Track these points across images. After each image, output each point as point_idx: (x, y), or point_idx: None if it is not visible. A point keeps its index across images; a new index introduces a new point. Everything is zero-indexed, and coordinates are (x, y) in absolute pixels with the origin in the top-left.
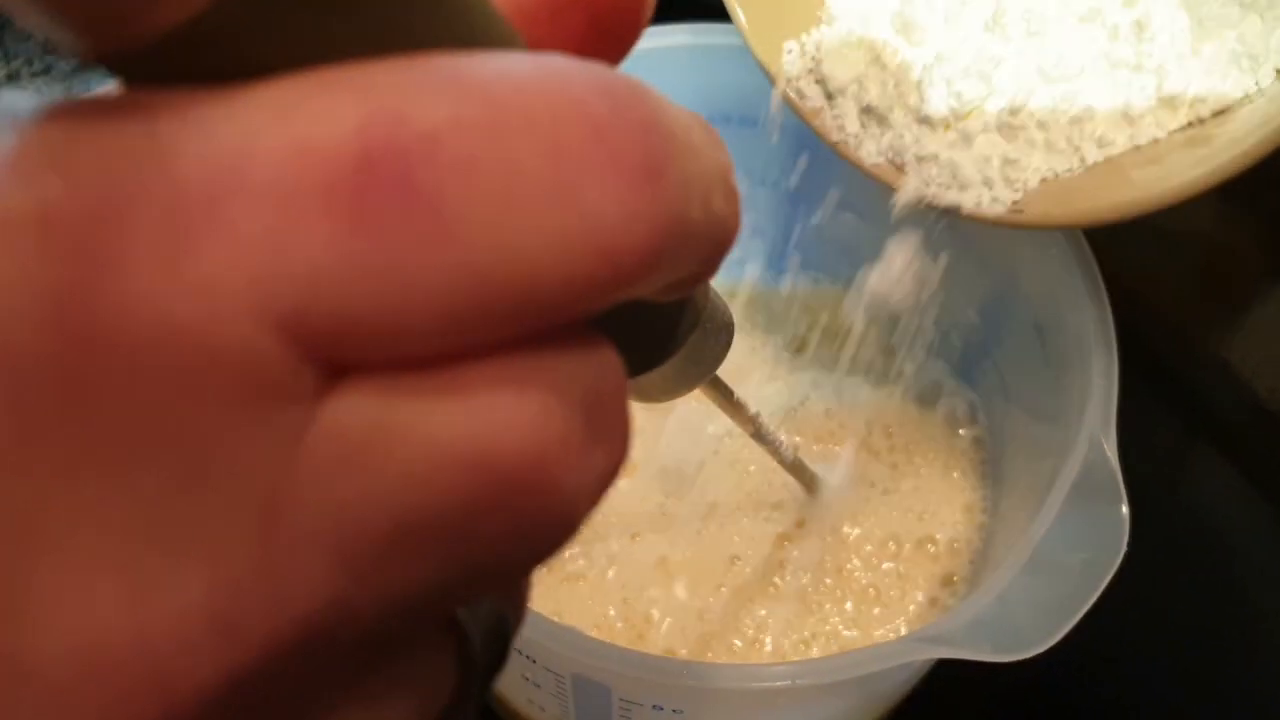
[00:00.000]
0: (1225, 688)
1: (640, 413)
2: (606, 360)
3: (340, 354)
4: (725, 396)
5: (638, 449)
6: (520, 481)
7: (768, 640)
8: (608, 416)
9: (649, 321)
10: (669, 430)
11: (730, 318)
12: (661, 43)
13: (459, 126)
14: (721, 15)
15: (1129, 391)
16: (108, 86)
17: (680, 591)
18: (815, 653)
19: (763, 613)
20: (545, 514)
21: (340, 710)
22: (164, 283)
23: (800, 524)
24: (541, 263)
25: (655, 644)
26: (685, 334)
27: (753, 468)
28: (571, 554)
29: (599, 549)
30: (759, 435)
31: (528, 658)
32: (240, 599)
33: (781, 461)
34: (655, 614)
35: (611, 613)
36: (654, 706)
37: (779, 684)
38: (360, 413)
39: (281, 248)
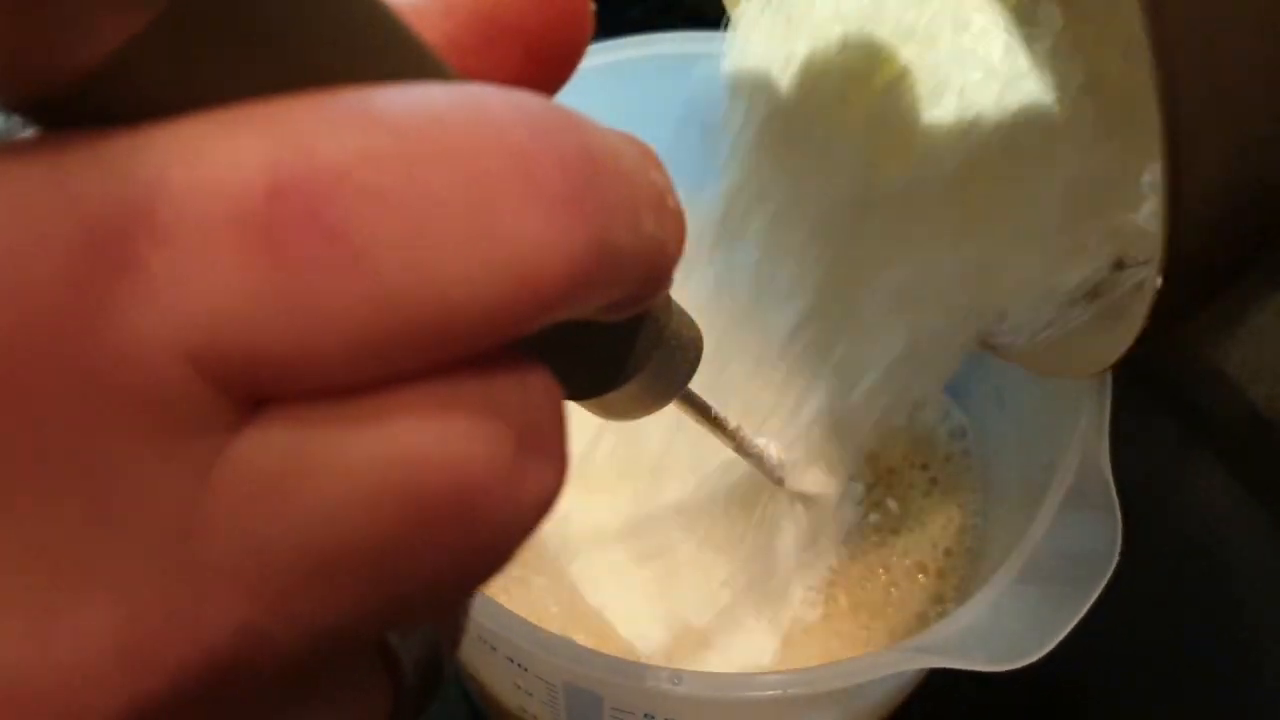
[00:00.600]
0: (1221, 696)
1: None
2: (539, 383)
3: (256, 387)
4: (702, 412)
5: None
6: (444, 509)
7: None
8: (542, 440)
9: (601, 341)
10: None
11: (697, 332)
12: (656, 52)
13: (368, 158)
14: (716, 26)
15: (1123, 399)
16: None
17: (652, 599)
18: (799, 664)
19: (751, 621)
20: (473, 541)
21: None
22: (73, 321)
23: (783, 531)
24: (457, 292)
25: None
26: (647, 351)
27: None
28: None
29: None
30: (742, 450)
31: (519, 666)
32: (148, 630)
33: (769, 475)
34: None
35: (554, 610)
36: (645, 715)
37: (771, 693)
38: (274, 443)
39: (191, 283)
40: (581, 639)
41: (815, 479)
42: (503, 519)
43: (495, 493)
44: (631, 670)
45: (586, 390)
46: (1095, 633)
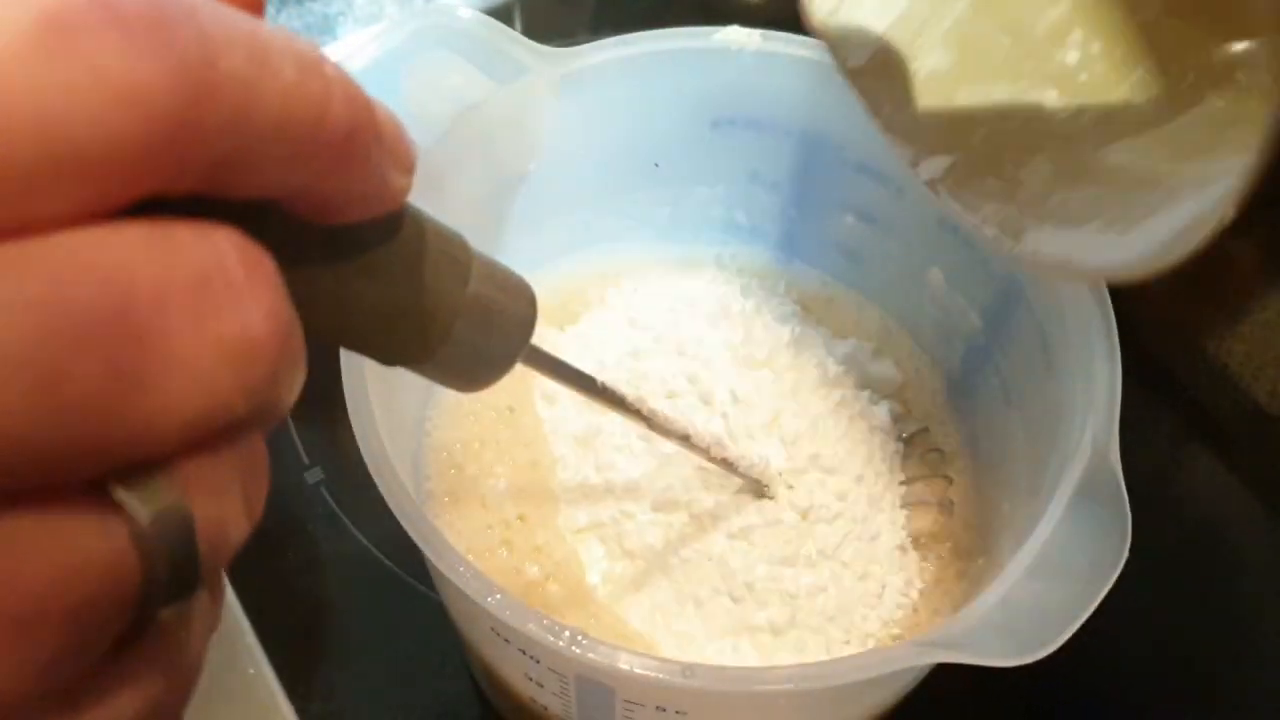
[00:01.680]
0: (1224, 689)
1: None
2: (224, 236)
3: None
4: (615, 402)
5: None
6: (96, 322)
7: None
8: (225, 284)
9: (388, 301)
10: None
11: (524, 300)
12: (666, 46)
13: None
14: (726, 19)
15: (1128, 395)
16: None
17: (666, 595)
18: (811, 659)
19: (763, 617)
20: (127, 357)
21: None
22: None
23: (787, 529)
24: (57, 119)
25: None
26: (447, 319)
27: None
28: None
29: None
30: (655, 428)
31: (531, 658)
32: None
33: (708, 459)
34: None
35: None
36: (657, 708)
37: (782, 687)
38: None
39: None
40: (594, 633)
41: (818, 475)
42: (164, 343)
43: (156, 320)
44: (643, 663)
45: (401, 357)
46: (1095, 627)
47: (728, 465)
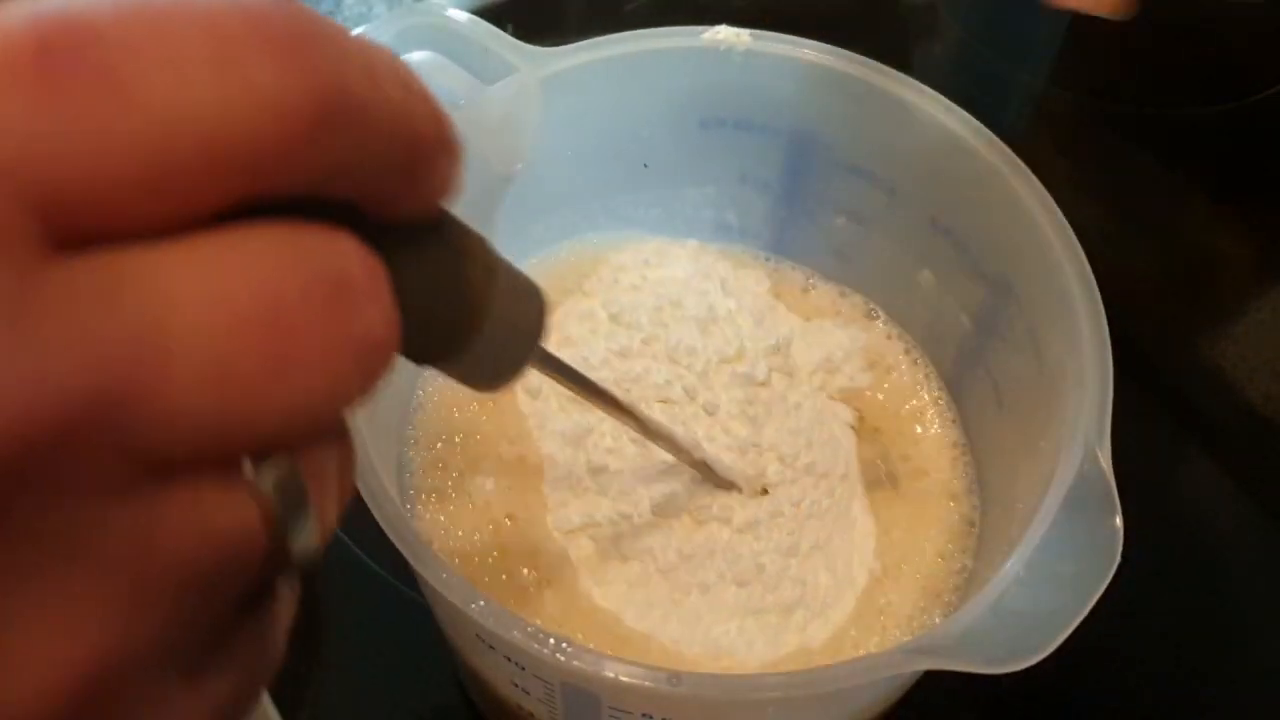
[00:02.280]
0: (1217, 694)
1: None
2: (347, 241)
3: (66, 212)
4: (608, 401)
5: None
6: (254, 330)
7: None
8: (354, 286)
9: (429, 292)
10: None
11: (538, 301)
12: (653, 45)
13: (119, 16)
14: (720, 19)
15: (1120, 397)
16: None
17: (659, 599)
18: (801, 663)
19: (742, 622)
20: (290, 354)
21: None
22: None
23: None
24: (216, 120)
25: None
26: (476, 316)
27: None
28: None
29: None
30: (646, 431)
31: (516, 664)
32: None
33: (690, 463)
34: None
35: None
36: (643, 715)
37: (771, 694)
38: (99, 263)
39: None
40: (581, 638)
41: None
42: (310, 340)
43: (303, 318)
44: (630, 671)
45: (435, 353)
46: (1089, 629)
47: (715, 471)
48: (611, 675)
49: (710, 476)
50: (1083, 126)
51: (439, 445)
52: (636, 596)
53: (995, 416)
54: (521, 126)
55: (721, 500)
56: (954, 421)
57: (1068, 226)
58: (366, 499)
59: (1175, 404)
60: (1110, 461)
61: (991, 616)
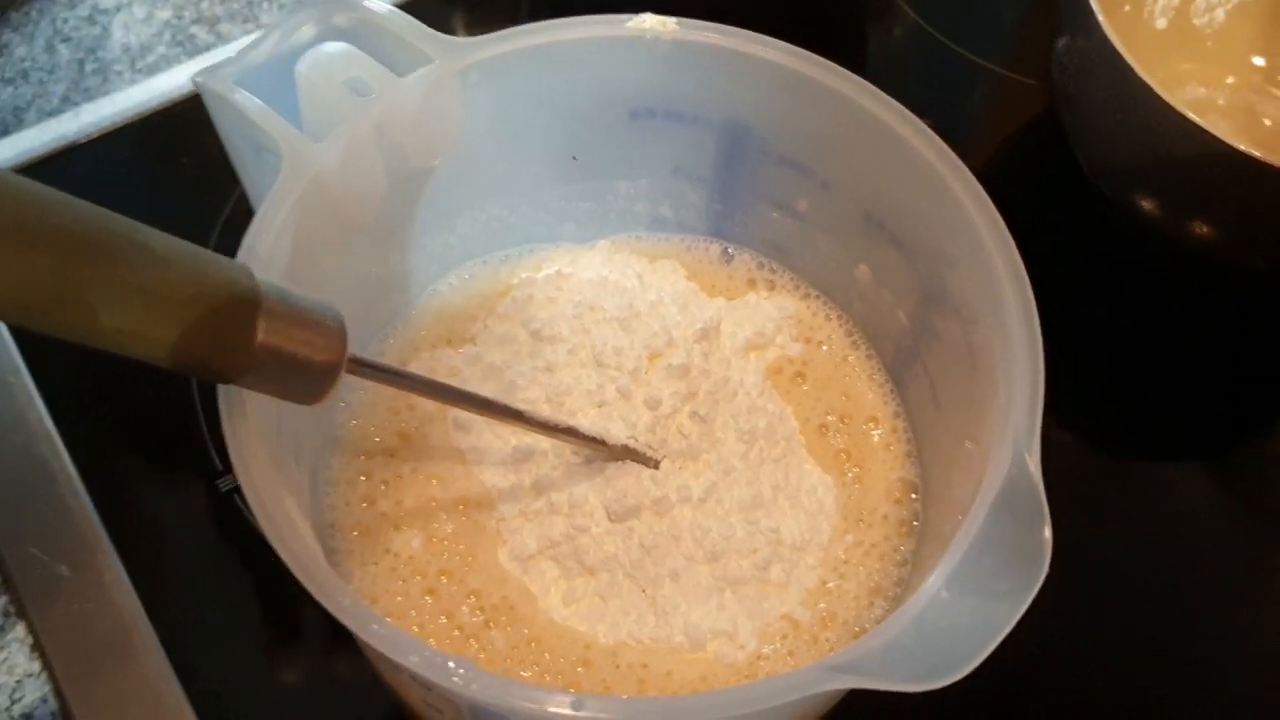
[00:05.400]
0: (1188, 688)
1: None
2: None
3: None
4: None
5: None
6: None
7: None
8: None
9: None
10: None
11: (328, 341)
12: (576, 34)
13: None
14: (657, 6)
15: (1054, 400)
16: None
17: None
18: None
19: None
20: None
21: None
22: None
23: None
24: None
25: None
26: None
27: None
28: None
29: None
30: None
31: (424, 686)
32: None
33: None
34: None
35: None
36: None
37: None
38: None
39: None
40: (549, 658)
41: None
42: None
43: None
44: (533, 695)
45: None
46: (1018, 646)
47: (638, 450)
48: (514, 700)
49: (636, 458)
50: (1040, 113)
51: (362, 480)
52: (610, 607)
53: (933, 414)
54: (440, 118)
55: (676, 482)
56: (898, 416)
57: (1003, 226)
58: (261, 524)
59: (1112, 407)
60: (1040, 467)
61: (915, 631)
